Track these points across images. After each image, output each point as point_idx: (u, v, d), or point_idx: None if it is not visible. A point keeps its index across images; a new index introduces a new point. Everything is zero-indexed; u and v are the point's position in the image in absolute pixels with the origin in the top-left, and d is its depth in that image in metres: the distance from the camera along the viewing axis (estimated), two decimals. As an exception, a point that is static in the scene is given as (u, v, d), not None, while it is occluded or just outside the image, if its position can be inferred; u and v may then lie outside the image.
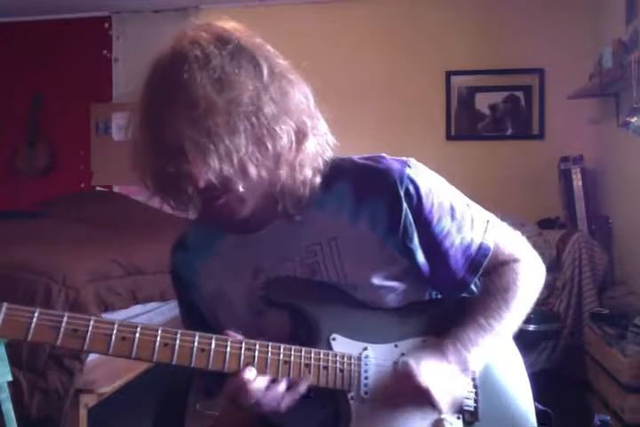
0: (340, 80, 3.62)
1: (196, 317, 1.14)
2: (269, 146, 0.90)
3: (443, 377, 0.97)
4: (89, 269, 2.36)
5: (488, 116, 3.86)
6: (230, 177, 0.89)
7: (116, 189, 4.31)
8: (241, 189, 0.91)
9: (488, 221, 1.10)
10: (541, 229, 3.25)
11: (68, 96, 4.34)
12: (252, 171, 0.90)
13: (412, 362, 0.97)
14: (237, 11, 3.93)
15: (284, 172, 0.94)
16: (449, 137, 3.90)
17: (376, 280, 1.03)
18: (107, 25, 4.34)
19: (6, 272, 2.23)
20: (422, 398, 0.97)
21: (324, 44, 3.84)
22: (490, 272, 1.10)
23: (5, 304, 0.85)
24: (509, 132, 3.84)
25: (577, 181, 3.32)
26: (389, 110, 3.90)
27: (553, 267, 2.83)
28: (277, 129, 0.90)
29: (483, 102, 3.86)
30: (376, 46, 3.93)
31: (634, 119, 2.48)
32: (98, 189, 4.33)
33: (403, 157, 1.08)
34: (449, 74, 3.87)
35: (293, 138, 0.93)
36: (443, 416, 1.01)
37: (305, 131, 0.95)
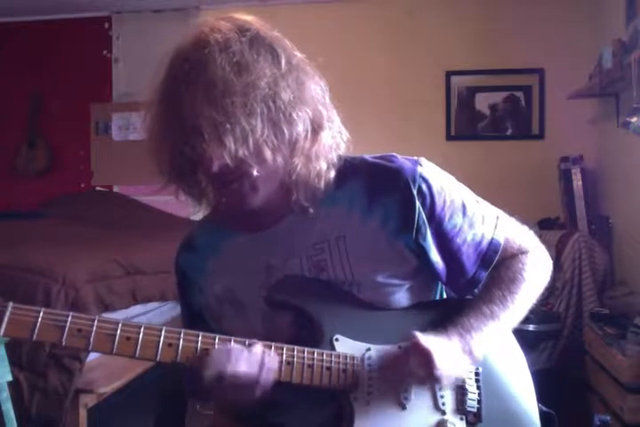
0: (340, 80, 3.61)
1: (197, 319, 1.14)
2: (285, 131, 0.91)
3: (446, 350, 0.98)
4: (89, 269, 2.36)
5: (488, 117, 3.86)
6: (245, 160, 0.90)
7: (116, 189, 4.30)
8: (255, 173, 0.92)
9: (498, 217, 1.11)
10: (541, 230, 3.24)
11: (68, 96, 4.33)
12: (268, 155, 0.91)
13: (417, 333, 0.98)
14: (237, 11, 3.92)
15: (299, 161, 0.95)
16: (449, 137, 3.89)
17: (382, 278, 1.03)
18: (107, 25, 4.34)
19: (6, 272, 2.23)
20: (422, 366, 0.96)
21: (323, 44, 3.82)
22: (497, 265, 1.10)
23: (11, 303, 0.86)
24: (509, 132, 3.84)
25: (577, 181, 3.31)
26: (389, 110, 3.90)
27: (553, 267, 2.82)
28: (294, 115, 0.91)
29: (483, 102, 3.85)
30: (376, 46, 3.93)
31: (634, 119, 2.48)
32: (98, 189, 4.33)
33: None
34: (449, 74, 3.87)
35: (309, 127, 0.94)
36: (446, 417, 1.01)
37: (321, 121, 0.96)
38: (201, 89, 0.88)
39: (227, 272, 1.09)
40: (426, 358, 0.95)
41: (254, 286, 1.06)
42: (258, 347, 0.93)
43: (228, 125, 0.87)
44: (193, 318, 1.16)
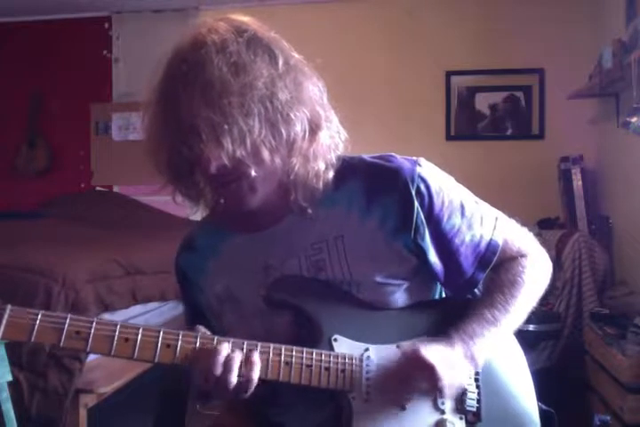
0: (340, 80, 3.61)
1: (199, 318, 1.14)
2: (283, 131, 0.91)
3: (448, 360, 0.97)
4: (88, 270, 2.36)
5: (488, 117, 3.85)
6: (243, 160, 0.90)
7: (116, 189, 4.30)
8: (253, 173, 0.92)
9: (497, 218, 1.11)
10: (541, 230, 3.24)
11: (68, 96, 4.33)
12: (266, 155, 0.91)
13: (419, 344, 0.98)
14: (237, 11, 3.92)
15: (297, 161, 0.95)
16: (449, 137, 3.89)
17: (380, 278, 1.03)
18: (107, 25, 4.34)
19: (6, 272, 2.23)
20: (425, 379, 0.96)
21: (323, 45, 3.83)
22: (497, 267, 1.10)
23: (9, 306, 0.86)
24: (509, 132, 3.84)
25: (577, 181, 3.31)
26: (389, 110, 3.90)
27: (553, 267, 2.82)
28: (291, 115, 0.91)
29: (483, 102, 3.85)
30: (376, 46, 3.93)
31: (634, 119, 2.48)
32: (98, 189, 4.33)
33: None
34: (449, 74, 3.87)
35: (307, 127, 0.94)
36: (445, 417, 1.01)
37: (318, 121, 0.96)
38: (198, 90, 0.88)
39: (226, 273, 1.10)
40: (429, 371, 0.95)
41: (253, 286, 1.06)
42: (225, 345, 0.92)
43: (225, 126, 0.87)
44: (195, 316, 1.16)
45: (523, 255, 1.12)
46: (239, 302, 1.08)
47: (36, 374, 2.12)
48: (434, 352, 0.97)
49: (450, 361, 0.97)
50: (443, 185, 1.05)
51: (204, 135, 0.88)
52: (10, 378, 1.80)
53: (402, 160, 1.05)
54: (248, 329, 1.04)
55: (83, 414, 2.21)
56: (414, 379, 0.97)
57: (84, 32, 4.36)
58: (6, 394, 1.79)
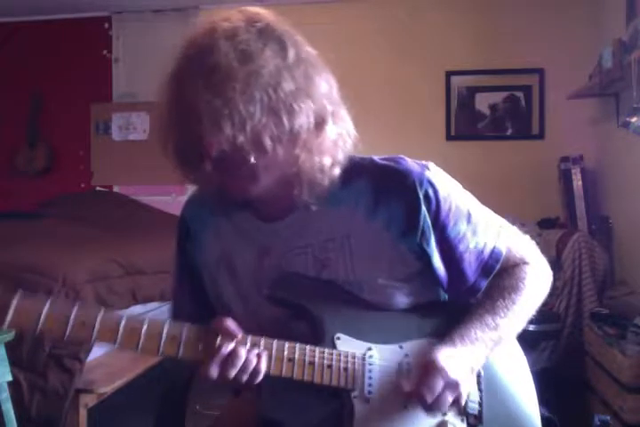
0: (340, 80, 3.61)
1: (191, 279, 1.16)
2: (286, 121, 0.90)
3: (463, 372, 0.98)
4: (89, 269, 2.36)
5: (488, 117, 3.86)
6: (243, 146, 0.90)
7: (116, 189, 4.30)
8: (253, 159, 0.91)
9: (501, 226, 1.11)
10: (541, 229, 3.25)
11: (68, 96, 4.34)
12: (267, 143, 0.90)
13: (437, 356, 0.97)
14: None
15: (301, 153, 0.94)
16: (449, 137, 3.90)
17: (384, 280, 1.03)
18: (107, 25, 4.34)
19: (6, 272, 2.23)
20: (451, 393, 0.96)
21: (323, 45, 3.82)
22: (499, 273, 1.10)
23: (18, 293, 0.87)
24: (509, 132, 3.84)
25: (577, 181, 3.31)
26: (389, 110, 3.90)
27: (553, 267, 2.80)
28: (295, 106, 0.91)
29: (483, 102, 3.86)
30: (376, 46, 3.93)
31: (634, 119, 2.48)
32: (98, 189, 4.33)
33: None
34: (449, 74, 3.87)
35: (312, 120, 0.93)
36: (446, 418, 1.01)
37: (325, 116, 0.95)
38: (204, 75, 0.89)
39: (227, 236, 1.10)
40: (453, 388, 0.96)
41: (250, 260, 1.07)
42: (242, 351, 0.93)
43: (226, 111, 0.87)
44: (186, 276, 1.18)
45: (525, 263, 1.13)
46: (236, 270, 1.09)
47: (36, 374, 2.12)
48: (453, 363, 0.97)
49: (461, 369, 0.98)
50: (450, 191, 1.05)
51: (204, 119, 0.88)
52: (10, 378, 1.80)
53: (411, 163, 1.05)
54: (241, 301, 1.05)
55: (83, 414, 2.21)
56: (439, 392, 0.96)
57: (83, 32, 4.36)
58: (6, 394, 1.79)
